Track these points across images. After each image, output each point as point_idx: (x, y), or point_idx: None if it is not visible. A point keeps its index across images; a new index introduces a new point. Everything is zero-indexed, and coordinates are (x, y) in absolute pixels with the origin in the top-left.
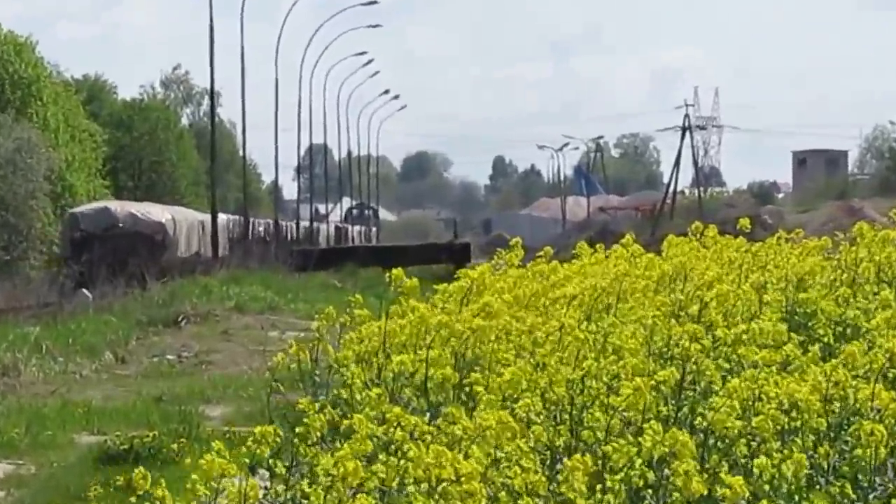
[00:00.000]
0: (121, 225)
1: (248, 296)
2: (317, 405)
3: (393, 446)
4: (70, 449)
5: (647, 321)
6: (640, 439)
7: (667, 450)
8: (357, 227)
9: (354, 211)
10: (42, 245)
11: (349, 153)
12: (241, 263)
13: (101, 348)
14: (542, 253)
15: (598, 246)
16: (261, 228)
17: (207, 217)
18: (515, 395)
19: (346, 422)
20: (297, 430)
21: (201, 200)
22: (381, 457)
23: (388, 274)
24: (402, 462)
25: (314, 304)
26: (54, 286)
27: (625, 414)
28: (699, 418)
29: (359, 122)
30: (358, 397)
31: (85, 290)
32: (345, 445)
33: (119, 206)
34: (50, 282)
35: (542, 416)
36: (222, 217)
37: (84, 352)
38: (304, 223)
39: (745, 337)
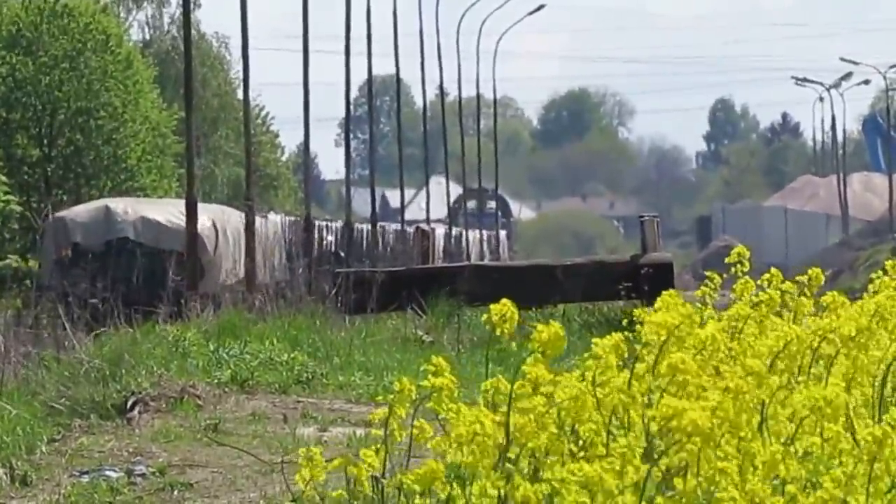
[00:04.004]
0: (132, 237)
1: (258, 360)
2: None
3: None
4: None
5: None
6: None
7: None
8: (472, 232)
9: (469, 204)
10: None
11: (441, 92)
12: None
13: None
14: (771, 277)
15: None
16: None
17: (260, 220)
18: None
19: None
20: None
21: (167, 183)
22: None
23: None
24: None
25: (381, 377)
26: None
27: None
28: None
29: (458, 31)
30: None
31: None
32: None
33: (128, 207)
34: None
35: None
36: (272, 218)
37: None
38: (363, 225)
39: None
